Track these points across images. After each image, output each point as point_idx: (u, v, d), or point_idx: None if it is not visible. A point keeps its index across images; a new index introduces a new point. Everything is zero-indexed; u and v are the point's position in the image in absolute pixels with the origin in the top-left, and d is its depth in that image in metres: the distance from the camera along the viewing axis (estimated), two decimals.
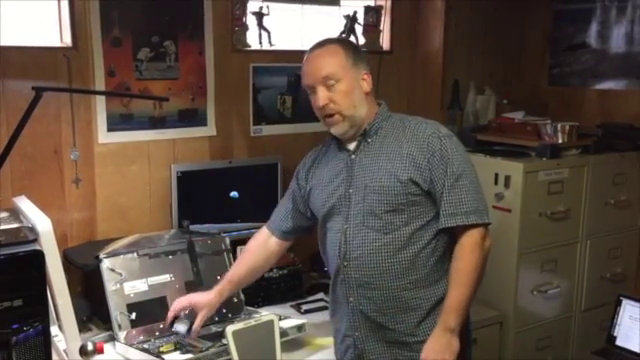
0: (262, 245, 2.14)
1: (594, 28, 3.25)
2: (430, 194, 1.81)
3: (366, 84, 1.87)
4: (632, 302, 2.60)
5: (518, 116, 3.01)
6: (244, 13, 2.77)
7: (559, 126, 2.80)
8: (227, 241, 2.46)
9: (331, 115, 1.85)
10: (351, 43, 1.98)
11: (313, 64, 1.86)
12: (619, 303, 2.62)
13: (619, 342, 2.59)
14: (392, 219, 1.81)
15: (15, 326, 1.57)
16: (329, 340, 2.24)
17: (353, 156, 1.89)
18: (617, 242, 2.99)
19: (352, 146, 1.90)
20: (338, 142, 1.95)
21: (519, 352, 2.72)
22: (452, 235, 1.84)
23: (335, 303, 1.97)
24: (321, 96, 1.83)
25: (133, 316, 2.15)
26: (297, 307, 2.54)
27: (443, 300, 1.81)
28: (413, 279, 1.82)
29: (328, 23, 3.11)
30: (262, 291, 2.56)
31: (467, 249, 1.79)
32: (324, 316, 2.46)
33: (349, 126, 1.87)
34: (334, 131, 1.90)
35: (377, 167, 1.84)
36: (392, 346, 1.86)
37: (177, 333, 2.06)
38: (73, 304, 1.86)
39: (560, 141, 2.78)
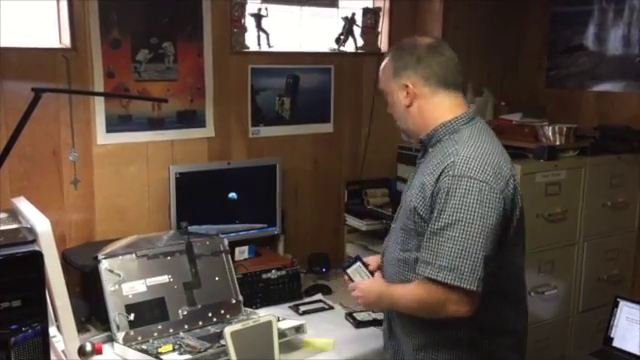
0: None
1: (591, 30, 3.26)
2: None
3: (406, 96, 1.74)
4: (629, 303, 2.61)
5: (516, 118, 3.02)
6: (243, 15, 2.78)
7: (557, 128, 2.81)
8: (225, 242, 2.46)
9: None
10: (403, 48, 1.78)
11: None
12: (616, 304, 2.63)
13: (616, 343, 2.60)
14: (406, 239, 1.74)
15: (14, 327, 1.57)
16: (327, 341, 2.25)
17: (419, 162, 1.82)
18: (614, 243, 2.99)
19: (422, 150, 1.83)
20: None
21: None
22: None
23: None
24: (388, 107, 1.85)
25: (132, 317, 2.15)
26: (295, 308, 2.54)
27: (437, 342, 1.72)
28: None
29: (326, 25, 3.12)
30: (260, 292, 2.56)
31: (429, 287, 1.61)
32: (322, 317, 2.47)
33: (405, 136, 1.85)
34: None
35: (415, 182, 1.74)
36: (398, 353, 1.88)
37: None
38: (72, 305, 1.87)
39: (557, 143, 2.79)
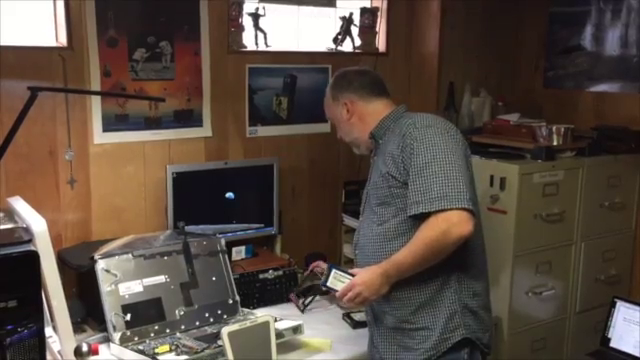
0: None
1: (589, 31, 3.26)
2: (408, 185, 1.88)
3: (346, 112, 2.09)
4: (626, 304, 2.61)
5: (513, 118, 3.02)
6: (240, 14, 2.77)
7: (554, 128, 2.81)
8: (222, 242, 2.45)
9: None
10: (336, 78, 2.16)
11: None
12: (613, 305, 2.63)
13: (613, 344, 2.60)
14: (383, 211, 1.95)
15: (9, 327, 1.57)
16: (325, 342, 2.24)
17: (375, 158, 2.07)
18: (611, 244, 2.99)
19: (374, 150, 2.10)
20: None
21: (514, 354, 2.72)
22: None
23: None
24: (337, 132, 2.21)
25: (128, 317, 2.14)
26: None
27: (438, 291, 1.91)
28: None
29: (324, 24, 3.12)
30: (257, 292, 2.56)
31: (429, 224, 1.80)
32: (320, 317, 2.46)
33: (356, 148, 2.17)
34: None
35: (377, 166, 2.01)
36: (394, 331, 1.98)
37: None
38: (68, 305, 1.86)
39: (555, 143, 2.79)
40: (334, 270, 1.92)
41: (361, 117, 2.09)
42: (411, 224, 1.88)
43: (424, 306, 1.92)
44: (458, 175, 1.82)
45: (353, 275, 1.91)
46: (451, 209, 1.78)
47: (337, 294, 1.90)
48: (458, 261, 1.89)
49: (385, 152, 1.97)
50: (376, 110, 2.08)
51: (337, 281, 1.90)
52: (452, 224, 1.78)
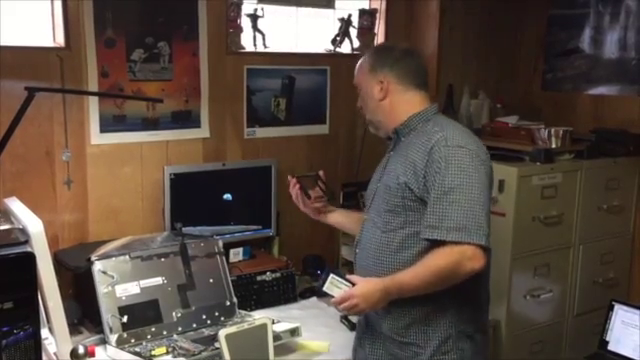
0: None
1: (587, 34, 3.27)
2: (426, 202, 1.78)
3: (381, 90, 1.91)
4: (624, 307, 2.61)
5: (512, 121, 3.01)
6: (239, 15, 2.76)
7: (553, 131, 2.80)
8: (220, 244, 2.44)
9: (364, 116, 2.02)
10: (381, 49, 2.02)
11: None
12: (611, 308, 2.63)
13: (611, 347, 2.60)
14: (390, 219, 1.86)
15: (5, 329, 1.55)
16: (323, 344, 2.23)
17: (391, 153, 1.97)
18: (610, 247, 2.99)
19: (392, 143, 1.98)
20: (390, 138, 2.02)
21: (512, 356, 2.71)
22: None
23: None
24: (358, 100, 2.02)
25: (125, 319, 2.13)
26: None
27: (432, 315, 1.83)
28: None
29: (323, 26, 3.11)
30: (255, 294, 2.55)
31: (442, 252, 1.72)
32: (317, 320, 2.46)
33: (374, 128, 2.01)
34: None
35: (394, 167, 1.90)
36: (385, 338, 1.91)
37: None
38: (64, 307, 1.85)
39: (554, 146, 2.79)
40: (332, 275, 1.85)
41: (393, 104, 1.92)
42: (417, 240, 1.80)
43: (417, 323, 1.85)
44: (480, 207, 1.73)
45: (351, 282, 1.82)
46: (468, 243, 1.70)
47: (333, 300, 1.82)
48: (461, 290, 1.78)
49: (406, 156, 1.85)
50: (410, 102, 1.92)
51: (334, 287, 1.84)
52: (465, 258, 1.70)
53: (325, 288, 1.83)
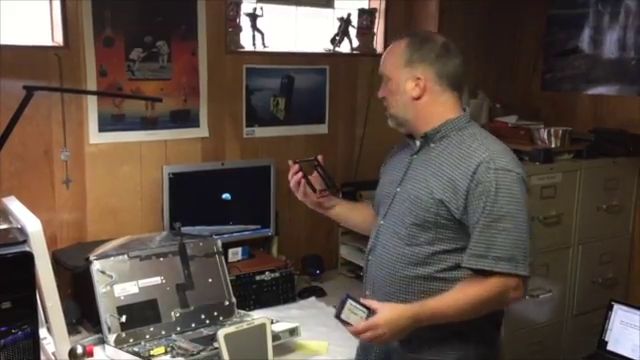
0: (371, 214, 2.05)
1: (587, 33, 3.26)
2: (462, 223, 1.68)
3: (417, 88, 1.75)
4: (623, 307, 2.60)
5: (511, 120, 3.02)
6: (238, 14, 2.76)
7: (552, 131, 2.80)
8: (219, 243, 2.44)
9: (386, 108, 1.85)
10: (421, 40, 1.78)
11: (382, 58, 1.85)
12: (610, 308, 2.62)
13: (610, 347, 2.59)
14: (416, 233, 1.73)
15: (3, 329, 1.55)
16: (322, 344, 2.23)
17: (415, 156, 1.82)
18: (609, 247, 2.99)
19: (416, 146, 1.83)
20: (411, 137, 1.86)
21: (511, 356, 2.71)
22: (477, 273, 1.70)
23: (363, 287, 1.94)
24: (380, 89, 1.84)
25: (123, 319, 2.13)
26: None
27: (449, 332, 1.72)
28: (422, 298, 1.72)
29: (322, 25, 3.11)
30: (254, 294, 2.54)
31: (486, 283, 1.64)
32: (316, 320, 2.45)
33: (395, 123, 1.83)
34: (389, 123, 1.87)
35: (423, 176, 1.75)
36: (392, 355, 1.81)
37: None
38: (62, 306, 1.84)
39: (553, 146, 2.79)
40: (349, 301, 1.66)
41: (427, 105, 1.76)
42: (443, 257, 1.71)
43: (434, 342, 1.73)
44: (527, 235, 1.65)
45: (369, 308, 1.66)
46: (515, 275, 1.63)
47: (352, 329, 1.64)
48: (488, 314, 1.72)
49: (440, 168, 1.71)
50: (446, 105, 1.77)
51: (352, 314, 1.67)
52: (510, 289, 1.64)
53: (343, 316, 1.66)
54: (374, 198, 2.05)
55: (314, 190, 1.98)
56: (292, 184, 1.99)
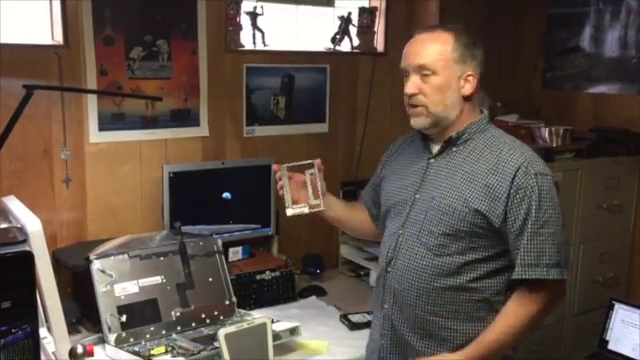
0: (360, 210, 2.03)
1: (588, 32, 3.26)
2: (499, 231, 1.64)
3: (469, 86, 1.69)
4: (624, 306, 2.60)
5: (512, 119, 3.01)
6: (238, 13, 2.75)
7: (553, 130, 2.80)
8: (219, 243, 2.43)
9: (416, 106, 1.70)
10: (468, 36, 1.72)
11: (415, 48, 1.70)
12: (611, 307, 2.62)
13: (611, 346, 2.59)
14: (447, 243, 1.67)
15: (3, 328, 1.55)
16: (322, 343, 2.23)
17: (433, 160, 1.76)
18: (609, 246, 2.99)
19: (435, 149, 1.76)
20: (425, 139, 1.80)
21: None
22: (509, 278, 1.67)
23: (374, 301, 1.88)
24: (411, 84, 1.69)
25: (124, 318, 2.12)
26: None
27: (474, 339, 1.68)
28: (452, 309, 1.69)
29: (322, 24, 3.10)
30: (254, 293, 2.54)
31: (534, 301, 1.62)
32: (317, 319, 2.45)
33: (431, 123, 1.71)
34: (413, 123, 1.73)
35: (451, 183, 1.69)
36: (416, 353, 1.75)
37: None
38: (62, 306, 1.84)
39: (554, 145, 2.79)
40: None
41: (470, 105, 1.71)
42: (474, 266, 1.66)
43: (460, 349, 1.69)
44: (564, 239, 1.65)
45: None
46: (561, 279, 1.62)
47: None
48: None
49: (473, 175, 1.66)
50: (474, 106, 1.74)
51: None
52: (559, 293, 1.65)
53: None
54: (364, 196, 2.02)
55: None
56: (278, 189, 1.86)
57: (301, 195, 1.83)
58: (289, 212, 1.82)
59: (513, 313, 1.63)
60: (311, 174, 1.80)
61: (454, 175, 1.69)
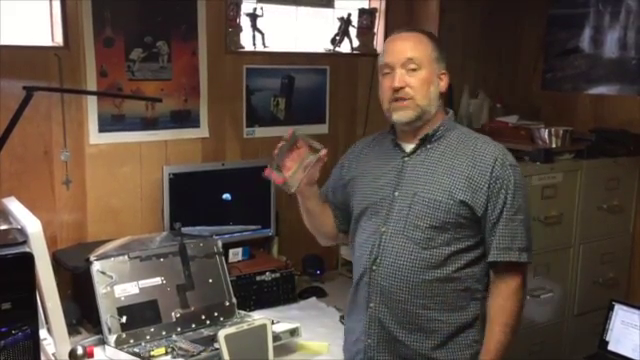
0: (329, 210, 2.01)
1: (587, 33, 3.26)
2: (479, 220, 1.73)
3: (443, 83, 1.79)
4: (624, 307, 2.60)
5: (512, 120, 3.01)
6: (238, 14, 2.76)
7: (553, 130, 2.80)
8: (219, 244, 2.44)
9: (402, 99, 1.75)
10: (437, 39, 1.85)
11: (399, 44, 1.78)
12: (611, 308, 2.62)
13: (611, 347, 2.59)
14: (434, 235, 1.73)
15: (4, 329, 1.55)
16: (322, 345, 2.23)
17: (407, 159, 1.81)
18: (609, 247, 2.99)
19: (409, 148, 1.82)
20: (394, 139, 1.86)
21: (511, 357, 2.70)
22: (486, 266, 1.78)
23: (354, 303, 1.89)
24: (398, 77, 1.74)
25: (124, 319, 2.12)
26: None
27: (463, 328, 1.76)
28: (439, 300, 1.74)
29: (322, 25, 3.10)
30: (254, 294, 2.54)
31: (514, 289, 1.74)
32: (317, 320, 2.45)
33: (416, 116, 1.76)
34: (398, 117, 1.76)
35: (432, 178, 1.75)
36: (406, 351, 1.78)
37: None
38: (62, 307, 1.84)
39: (554, 145, 2.79)
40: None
41: (441, 102, 1.82)
42: (459, 257, 1.74)
43: (452, 339, 1.76)
44: (531, 224, 1.79)
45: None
46: (529, 263, 1.76)
47: None
48: (482, 304, 1.79)
49: (452, 169, 1.74)
50: (442, 104, 1.84)
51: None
52: (525, 278, 1.77)
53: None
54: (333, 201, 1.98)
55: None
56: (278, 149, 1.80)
57: (291, 166, 1.80)
58: (267, 172, 1.79)
59: (501, 310, 1.74)
60: (310, 159, 1.78)
61: (435, 170, 1.76)
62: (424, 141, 1.79)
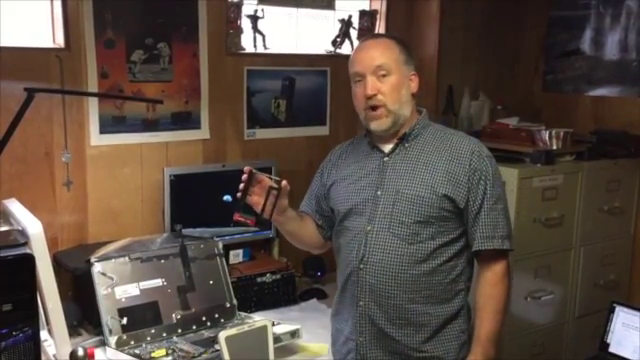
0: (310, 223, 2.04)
1: (588, 35, 3.26)
2: (461, 213, 1.79)
3: (414, 84, 1.85)
4: (625, 309, 2.59)
5: (512, 122, 3.01)
6: (239, 16, 2.76)
7: (553, 132, 2.79)
8: (220, 245, 2.44)
9: (376, 107, 1.80)
10: (404, 41, 1.90)
11: (367, 52, 1.83)
12: (612, 310, 2.61)
13: (612, 349, 2.58)
14: (419, 230, 1.77)
15: (4, 331, 1.55)
16: (322, 346, 2.23)
17: (387, 159, 1.86)
18: (610, 249, 2.99)
19: (387, 148, 1.87)
20: (371, 142, 1.91)
21: (512, 358, 2.70)
22: (471, 256, 1.86)
23: (341, 304, 1.92)
24: (370, 84, 1.79)
25: (124, 321, 2.12)
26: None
27: (450, 320, 1.82)
28: (427, 294, 1.79)
29: (323, 27, 3.11)
30: (255, 296, 2.54)
31: (500, 276, 1.81)
32: (317, 322, 2.45)
33: (391, 123, 1.82)
34: (375, 127, 1.83)
35: (413, 175, 1.80)
36: (395, 357, 1.83)
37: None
38: (63, 308, 1.84)
39: (554, 147, 2.78)
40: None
41: (414, 102, 1.87)
42: (443, 250, 1.79)
43: (440, 331, 1.82)
44: (509, 214, 1.86)
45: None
46: (511, 250, 1.83)
47: None
48: (466, 295, 1.86)
49: (432, 165, 1.79)
50: (416, 104, 1.89)
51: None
52: (508, 265, 1.82)
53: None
54: (307, 208, 2.02)
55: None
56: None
57: (258, 200, 1.83)
58: (236, 217, 1.84)
59: (490, 297, 1.80)
60: (274, 193, 1.81)
61: (415, 167, 1.81)
62: (402, 140, 1.86)
